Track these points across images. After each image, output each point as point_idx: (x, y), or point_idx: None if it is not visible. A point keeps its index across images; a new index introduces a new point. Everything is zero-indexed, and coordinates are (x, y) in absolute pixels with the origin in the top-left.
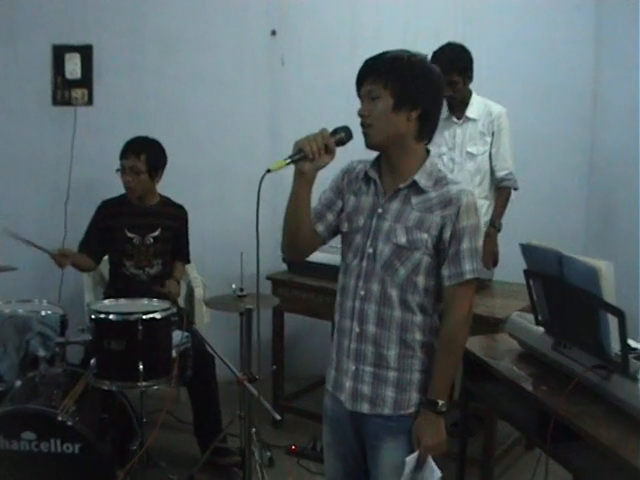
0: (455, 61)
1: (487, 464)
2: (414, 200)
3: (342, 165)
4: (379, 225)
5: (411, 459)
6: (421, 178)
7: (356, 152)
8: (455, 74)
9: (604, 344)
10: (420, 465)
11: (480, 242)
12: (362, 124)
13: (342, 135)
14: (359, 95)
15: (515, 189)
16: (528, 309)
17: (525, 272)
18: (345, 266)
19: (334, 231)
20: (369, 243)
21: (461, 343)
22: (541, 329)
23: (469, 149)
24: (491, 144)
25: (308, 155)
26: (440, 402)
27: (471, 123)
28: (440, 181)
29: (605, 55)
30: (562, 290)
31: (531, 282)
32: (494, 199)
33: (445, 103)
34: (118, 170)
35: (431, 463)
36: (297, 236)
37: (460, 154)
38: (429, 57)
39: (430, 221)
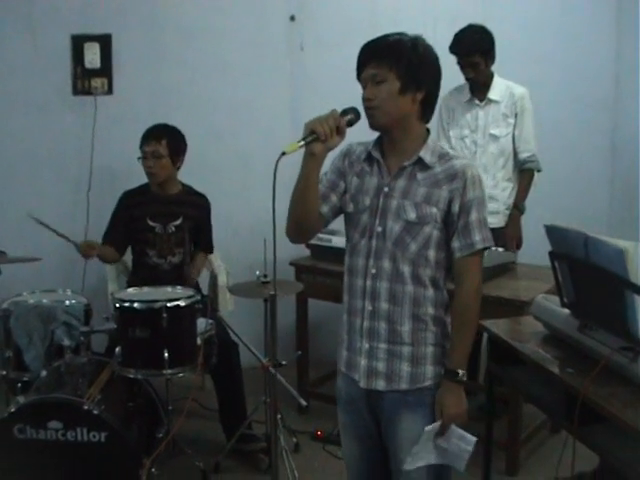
0: (477, 42)
1: (513, 447)
2: (420, 176)
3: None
4: (387, 203)
5: (431, 428)
6: (426, 154)
7: (353, 133)
8: (477, 56)
9: (631, 325)
10: (442, 433)
11: (486, 212)
12: (367, 107)
13: (352, 116)
14: (359, 79)
15: (538, 171)
16: (553, 291)
17: (550, 254)
18: (352, 246)
19: (337, 212)
20: (377, 222)
21: (476, 312)
22: (567, 311)
23: (492, 131)
24: (514, 126)
25: (320, 136)
26: (460, 372)
27: (493, 105)
28: (444, 156)
29: (626, 36)
30: (588, 272)
31: (556, 264)
32: (517, 181)
33: (467, 85)
34: (139, 158)
35: (459, 431)
36: (305, 217)
37: (483, 136)
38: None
39: (438, 195)
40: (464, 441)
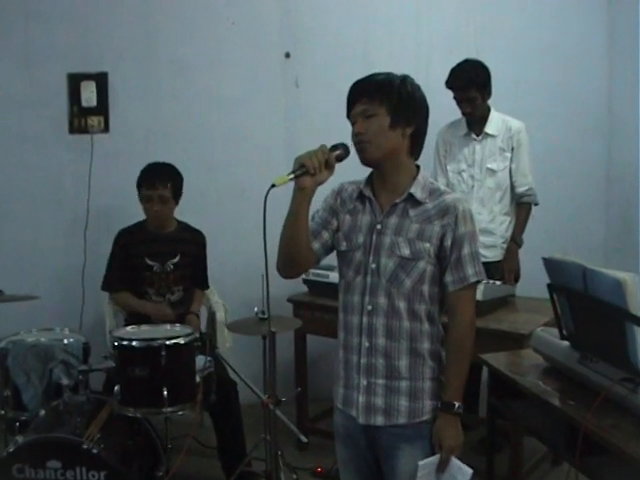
0: (473, 77)
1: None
2: (412, 212)
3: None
4: (380, 240)
5: (427, 462)
6: (416, 191)
7: (344, 170)
8: (474, 90)
9: (631, 357)
10: (443, 467)
11: (478, 246)
12: (358, 142)
13: (341, 151)
14: (349, 116)
15: (536, 204)
16: (552, 324)
17: (549, 286)
18: (346, 283)
19: (329, 249)
20: (371, 259)
21: (470, 344)
22: (566, 343)
23: (489, 165)
24: (511, 160)
25: (310, 170)
26: (456, 404)
27: (490, 139)
28: (434, 192)
29: (618, 66)
30: (587, 303)
31: (555, 296)
32: (514, 215)
33: (464, 120)
34: (142, 199)
35: (458, 463)
36: (295, 252)
37: (480, 170)
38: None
39: (430, 231)
40: (460, 473)
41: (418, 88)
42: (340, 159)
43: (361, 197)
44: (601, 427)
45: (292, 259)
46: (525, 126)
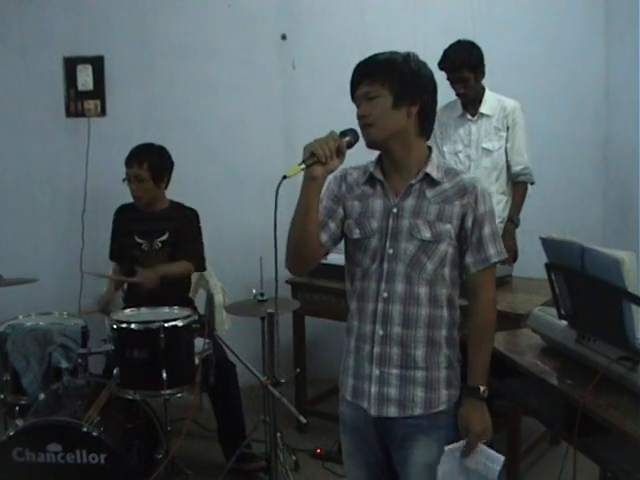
0: (466, 58)
1: (513, 460)
2: (429, 193)
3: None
4: (397, 225)
5: (452, 448)
6: (432, 170)
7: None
8: (466, 71)
9: (628, 335)
10: (468, 453)
11: (497, 225)
12: (363, 125)
13: (350, 137)
14: (353, 99)
15: (532, 183)
16: (549, 304)
17: (546, 265)
18: (362, 271)
19: (337, 240)
20: (388, 244)
21: (493, 325)
22: (564, 323)
23: (485, 145)
24: (506, 139)
25: (321, 159)
26: (482, 388)
27: (485, 119)
28: (450, 172)
29: (615, 48)
30: (585, 282)
31: (553, 275)
32: (511, 194)
33: (459, 101)
34: (124, 180)
35: (487, 450)
36: (305, 243)
37: (476, 151)
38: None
39: (450, 211)
40: (491, 460)
41: (424, 65)
42: (350, 145)
43: (371, 181)
44: (599, 406)
45: (302, 251)
46: (520, 105)
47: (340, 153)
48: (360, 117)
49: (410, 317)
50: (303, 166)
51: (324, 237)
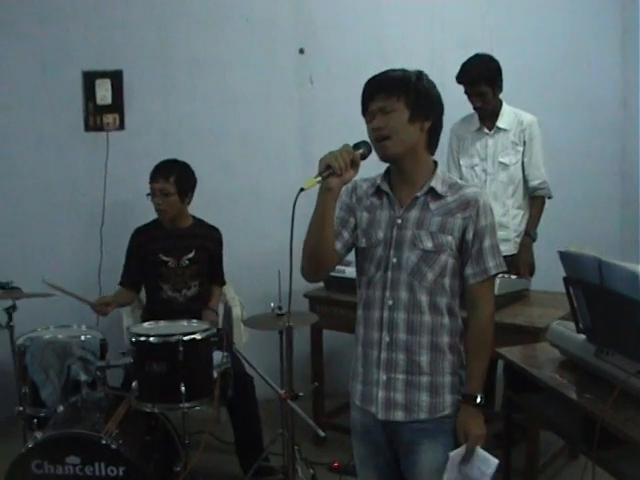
0: (483, 72)
1: (531, 474)
2: (432, 206)
3: None
4: (401, 235)
5: (456, 454)
6: (437, 184)
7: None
8: (484, 85)
9: None
10: (467, 458)
11: (497, 239)
12: (377, 138)
13: (364, 149)
14: (365, 113)
15: (549, 197)
16: (567, 317)
17: (565, 279)
18: (367, 279)
19: (349, 248)
20: (392, 253)
21: (491, 336)
22: (582, 336)
23: (501, 159)
24: (523, 153)
25: (336, 171)
26: (479, 396)
27: (502, 133)
28: (454, 186)
29: (632, 60)
30: (603, 296)
31: (571, 289)
32: (528, 209)
33: (476, 114)
34: (149, 194)
35: (483, 453)
36: (321, 253)
37: (493, 165)
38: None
39: (452, 223)
40: (486, 464)
41: (433, 85)
42: (364, 157)
43: (378, 193)
44: (618, 420)
45: (318, 260)
46: (537, 119)
47: (354, 165)
48: (375, 129)
49: (414, 324)
50: (319, 178)
51: (338, 245)
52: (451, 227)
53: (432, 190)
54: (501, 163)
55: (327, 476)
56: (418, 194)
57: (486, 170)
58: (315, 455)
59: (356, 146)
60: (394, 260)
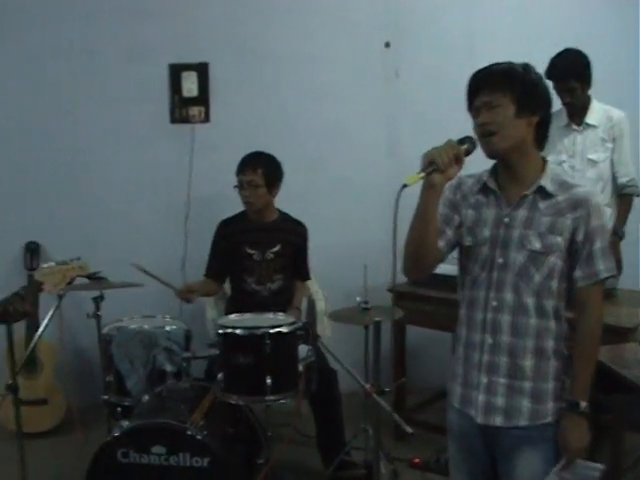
0: (572, 67)
1: (615, 475)
2: (542, 205)
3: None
4: (508, 234)
5: (559, 467)
6: (547, 183)
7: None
8: (573, 80)
9: None
10: (567, 468)
11: (608, 240)
12: (483, 133)
13: (468, 145)
14: (470, 108)
15: (638, 195)
16: None
17: None
18: (472, 279)
19: (453, 246)
20: (498, 253)
21: (598, 341)
22: None
23: (590, 156)
24: (612, 150)
25: (440, 167)
26: (583, 403)
27: (591, 129)
28: (563, 184)
29: None
30: None
31: None
32: (616, 206)
33: (564, 110)
34: (236, 187)
35: (583, 463)
36: (423, 251)
37: (581, 161)
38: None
39: (562, 224)
40: (589, 469)
41: (541, 77)
42: (468, 153)
43: (484, 190)
44: None
45: (420, 259)
46: (626, 115)
47: (458, 160)
48: (481, 125)
49: (519, 327)
50: (423, 174)
51: (441, 243)
52: (561, 228)
53: (541, 188)
54: (590, 160)
55: (408, 472)
56: (527, 192)
57: (574, 167)
58: (395, 451)
59: (460, 141)
60: (500, 260)
